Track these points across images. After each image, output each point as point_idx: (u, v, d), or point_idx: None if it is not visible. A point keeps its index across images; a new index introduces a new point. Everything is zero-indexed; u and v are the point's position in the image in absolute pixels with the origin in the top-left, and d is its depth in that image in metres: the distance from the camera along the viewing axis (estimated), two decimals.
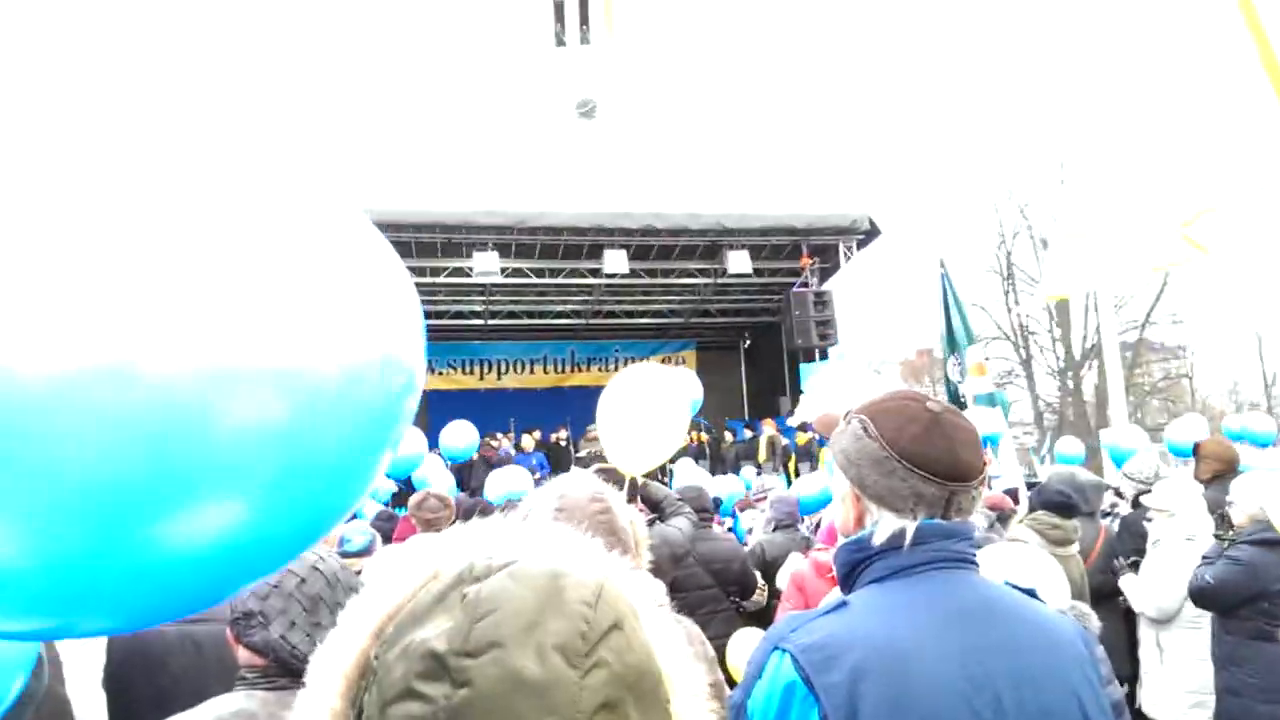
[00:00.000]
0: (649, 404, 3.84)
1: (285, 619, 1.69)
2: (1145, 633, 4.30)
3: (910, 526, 1.31)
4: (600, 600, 0.62)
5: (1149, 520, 4.50)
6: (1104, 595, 4.36)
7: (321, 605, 1.73)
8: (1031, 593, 1.53)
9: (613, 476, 4.44)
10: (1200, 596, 3.73)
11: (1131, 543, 4.93)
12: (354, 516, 7.65)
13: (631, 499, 4.46)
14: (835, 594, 1.40)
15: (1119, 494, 6.31)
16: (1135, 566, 4.47)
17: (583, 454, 11.87)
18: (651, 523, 4.26)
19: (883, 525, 1.34)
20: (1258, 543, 3.62)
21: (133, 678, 2.37)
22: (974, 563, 1.37)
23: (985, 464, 1.37)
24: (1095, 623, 2.21)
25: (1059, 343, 27.32)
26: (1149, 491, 4.80)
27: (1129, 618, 4.54)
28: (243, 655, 1.73)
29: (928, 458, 1.32)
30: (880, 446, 1.33)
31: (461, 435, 8.28)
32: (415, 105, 15.12)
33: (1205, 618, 3.87)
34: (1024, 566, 2.18)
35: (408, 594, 0.63)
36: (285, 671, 1.65)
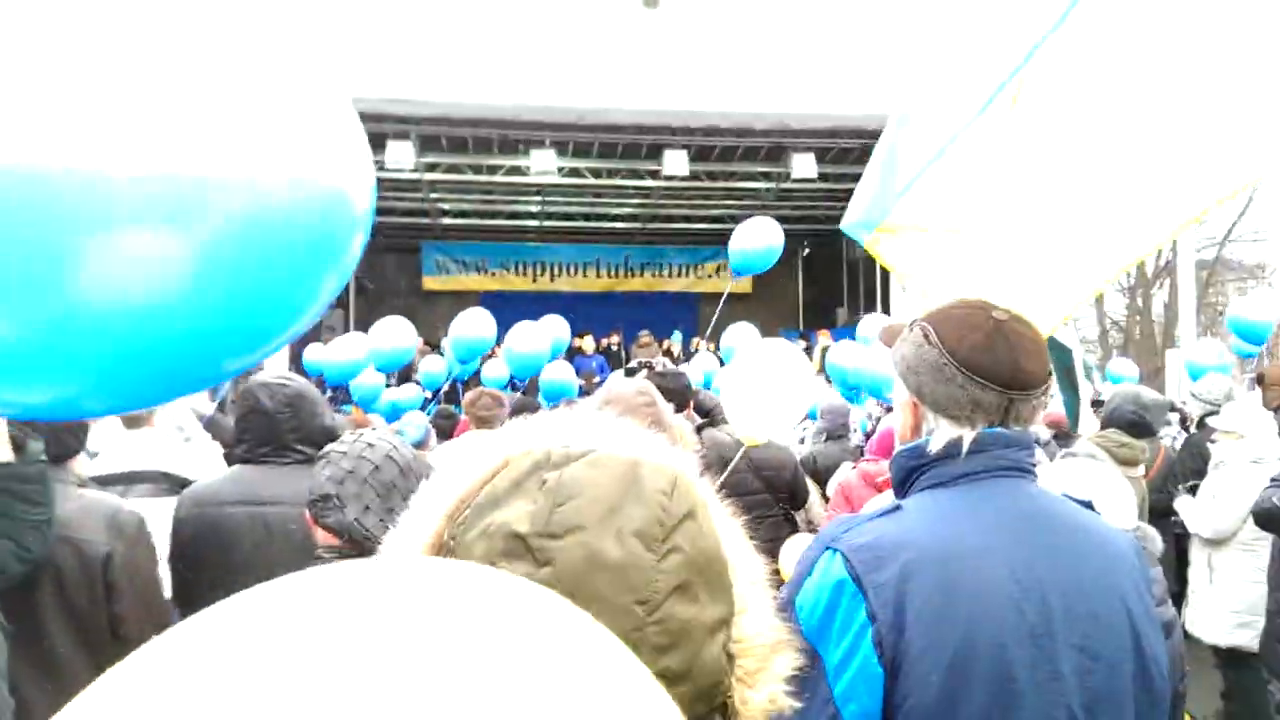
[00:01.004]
0: (775, 376, 3.89)
1: (360, 503, 1.78)
2: (1197, 553, 4.27)
3: (968, 435, 1.32)
4: (675, 490, 0.64)
5: (1214, 442, 4.39)
6: (1157, 514, 4.31)
7: (395, 492, 1.81)
8: (1089, 505, 1.52)
9: (664, 383, 4.47)
10: (1267, 518, 3.66)
11: (1193, 464, 4.84)
12: (426, 409, 7.86)
13: (683, 407, 4.50)
14: (888, 497, 1.40)
15: (1182, 417, 6.15)
16: (1194, 490, 4.39)
17: (633, 364, 11.97)
18: (701, 429, 4.30)
19: (939, 433, 1.35)
20: None
21: (205, 555, 2.49)
22: (1032, 472, 1.36)
23: (1049, 374, 1.36)
24: (1158, 544, 2.19)
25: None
26: (1216, 413, 4.66)
27: (1179, 538, 4.50)
28: (320, 536, 1.83)
29: (986, 365, 1.31)
30: (940, 353, 1.33)
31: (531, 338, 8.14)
32: None
33: (1262, 540, 3.82)
34: (1098, 482, 2.14)
35: (480, 479, 0.66)
36: (361, 553, 1.74)
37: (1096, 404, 6.42)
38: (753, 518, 3.89)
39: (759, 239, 6.44)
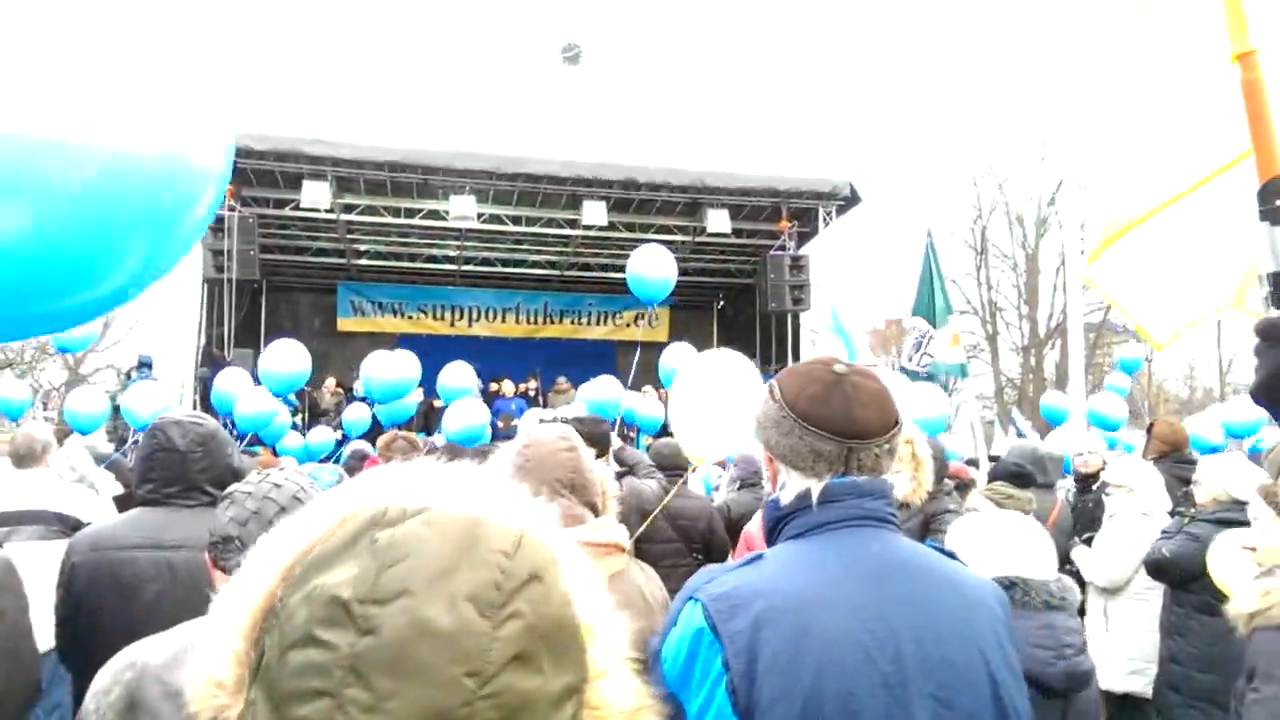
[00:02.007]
0: (722, 391, 3.80)
1: None
2: (1093, 602, 4.45)
3: (816, 486, 1.36)
4: (519, 550, 0.60)
5: (1108, 495, 4.63)
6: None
7: None
8: (951, 554, 1.56)
9: (584, 429, 4.45)
10: (1156, 568, 3.86)
11: (1087, 515, 5.09)
12: (332, 459, 7.59)
13: (603, 453, 4.48)
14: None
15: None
16: (1089, 542, 4.61)
17: (548, 417, 11.90)
18: (621, 476, 4.30)
19: (790, 485, 1.39)
20: (1216, 521, 3.74)
21: (103, 603, 2.34)
22: (890, 520, 1.39)
23: (895, 422, 1.39)
24: (1077, 595, 2.28)
25: (1025, 320, 27.73)
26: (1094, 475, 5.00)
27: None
28: (219, 580, 1.73)
29: (822, 416, 1.35)
30: (780, 407, 1.38)
31: (458, 377, 8.02)
32: (398, 41, 14.71)
33: (1153, 590, 4.01)
34: (1015, 536, 2.23)
35: (318, 536, 0.62)
36: None
37: (993, 459, 6.71)
38: (666, 567, 3.85)
39: (655, 268, 6.60)
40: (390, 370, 7.21)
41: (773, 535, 1.42)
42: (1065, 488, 5.63)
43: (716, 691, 1.21)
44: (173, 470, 2.46)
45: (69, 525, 3.04)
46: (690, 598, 1.30)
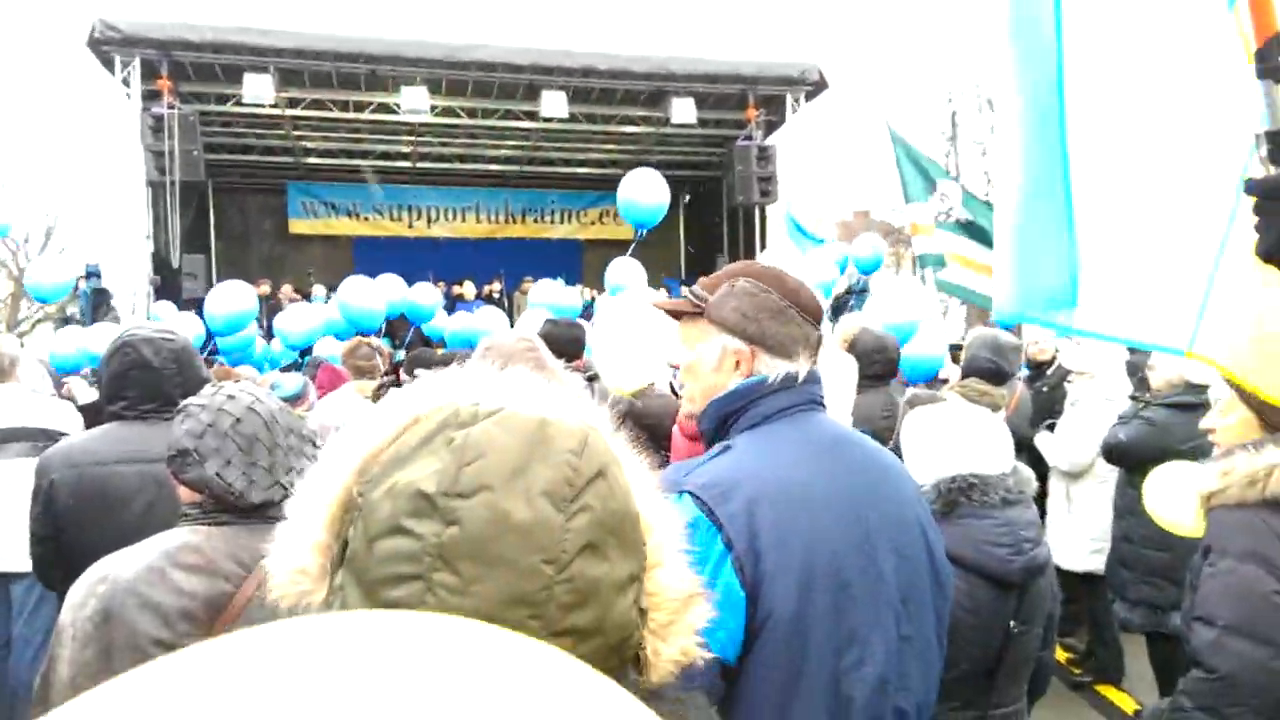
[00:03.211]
0: (641, 323, 3.81)
1: (220, 457, 1.70)
2: (1055, 485, 4.56)
3: (802, 369, 1.46)
4: (585, 449, 0.65)
5: (1069, 382, 4.68)
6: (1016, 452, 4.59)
7: (258, 445, 1.74)
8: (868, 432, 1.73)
9: (556, 331, 4.37)
10: (1112, 452, 3.94)
11: (1046, 402, 5.16)
12: (294, 366, 7.48)
13: (575, 358, 4.42)
14: (697, 448, 1.48)
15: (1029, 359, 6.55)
16: (1051, 428, 4.68)
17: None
18: (593, 379, 4.25)
19: (774, 371, 1.46)
20: (1171, 405, 3.81)
21: (86, 519, 2.36)
22: (823, 405, 1.54)
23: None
24: (1034, 484, 2.29)
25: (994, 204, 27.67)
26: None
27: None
28: (183, 492, 1.75)
29: (806, 302, 1.48)
30: (779, 298, 1.46)
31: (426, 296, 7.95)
32: None
33: (1114, 473, 4.11)
34: (970, 432, 2.20)
35: (389, 436, 0.66)
36: (225, 508, 1.70)
37: (955, 348, 6.74)
38: None
39: (648, 194, 6.49)
40: (366, 298, 7.14)
41: (720, 429, 1.49)
42: (1022, 376, 5.69)
43: (721, 571, 1.28)
44: (148, 387, 2.47)
45: (55, 439, 2.95)
46: (670, 493, 1.30)
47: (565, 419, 0.66)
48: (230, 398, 1.78)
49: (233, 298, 6.59)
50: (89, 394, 5.08)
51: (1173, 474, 3.03)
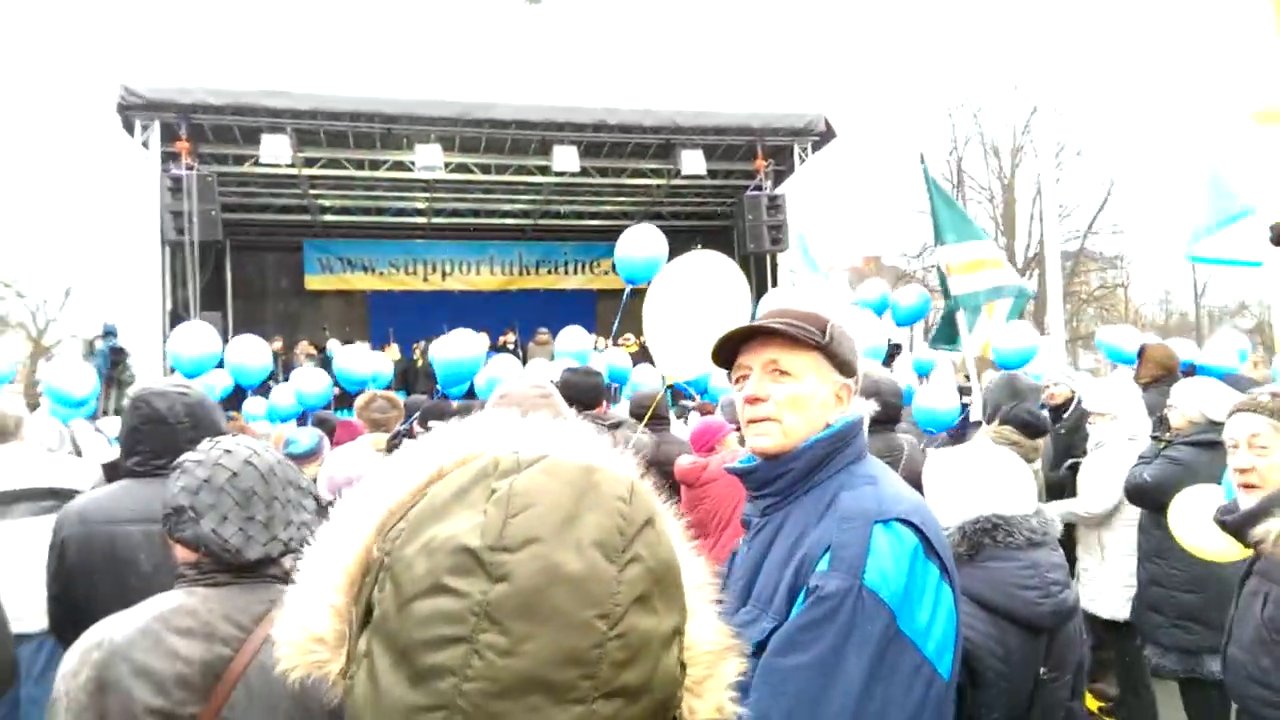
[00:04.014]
0: (701, 301, 3.47)
1: (216, 513, 1.66)
2: (1086, 533, 4.44)
3: (867, 410, 1.56)
4: (634, 496, 0.62)
5: (1091, 424, 4.60)
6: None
7: (255, 499, 1.69)
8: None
9: (575, 378, 4.35)
10: (1136, 493, 3.85)
11: (1061, 444, 5.08)
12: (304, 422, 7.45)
13: (594, 405, 4.39)
14: (848, 477, 1.49)
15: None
16: (1074, 470, 4.59)
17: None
18: (615, 427, 4.23)
19: (855, 409, 1.54)
20: (1193, 444, 3.73)
21: (96, 577, 2.32)
22: None
23: None
24: (1058, 528, 2.22)
25: (1003, 250, 27.70)
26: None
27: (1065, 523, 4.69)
28: (180, 553, 1.70)
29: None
30: (854, 341, 1.58)
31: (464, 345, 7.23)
32: None
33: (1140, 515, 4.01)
34: (993, 472, 2.16)
35: (412, 490, 0.63)
36: (222, 567, 1.64)
37: (962, 390, 6.66)
38: None
39: (643, 248, 6.44)
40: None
41: (823, 464, 1.48)
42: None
43: (941, 595, 1.35)
44: (161, 441, 2.41)
45: (64, 498, 2.94)
46: (877, 522, 1.36)
47: (610, 464, 0.64)
48: (227, 451, 1.75)
49: (250, 351, 6.63)
50: (100, 446, 5.08)
51: (1197, 499, 2.96)
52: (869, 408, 1.55)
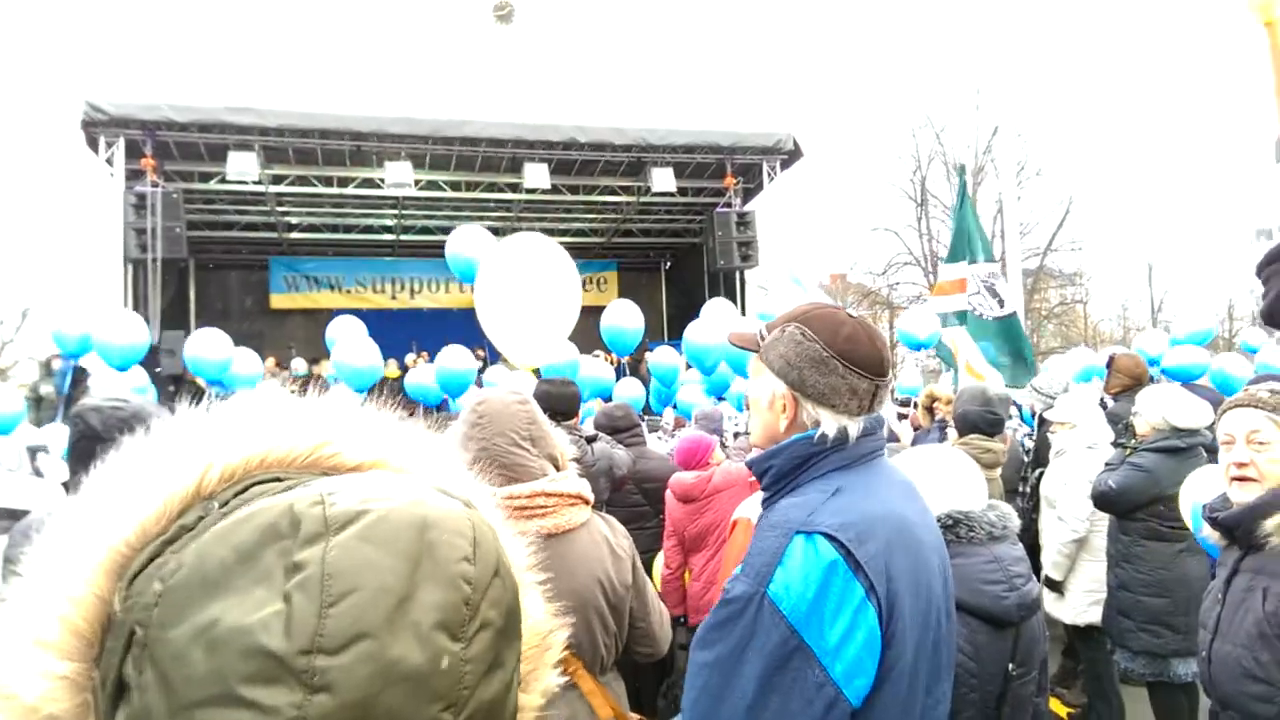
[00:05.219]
0: (536, 286, 3.49)
1: None
2: (1049, 537, 4.50)
3: (853, 423, 1.45)
4: (478, 547, 0.49)
5: (1052, 433, 4.69)
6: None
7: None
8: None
9: (551, 389, 4.33)
10: (1103, 500, 3.92)
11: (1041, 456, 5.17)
12: None
13: (570, 416, 4.39)
14: (815, 485, 1.43)
15: (1019, 409, 6.59)
16: (1039, 478, 4.67)
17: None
18: (592, 440, 4.22)
19: (826, 422, 1.45)
20: (1158, 450, 3.81)
21: None
22: (884, 451, 1.57)
23: (894, 361, 1.51)
24: (1015, 520, 2.27)
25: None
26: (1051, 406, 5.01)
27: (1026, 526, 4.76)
28: None
29: (860, 355, 1.45)
30: (822, 347, 1.45)
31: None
32: (322, 1, 14.16)
33: (1106, 521, 4.08)
34: (950, 471, 2.21)
35: (158, 509, 0.48)
36: None
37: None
38: (632, 528, 3.84)
39: (626, 321, 6.98)
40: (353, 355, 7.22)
41: (797, 470, 1.46)
42: (1012, 427, 5.70)
43: (862, 617, 1.27)
44: (96, 457, 2.32)
45: (17, 518, 2.87)
46: (798, 532, 1.32)
47: (444, 506, 0.50)
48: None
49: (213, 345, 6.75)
50: (59, 469, 4.99)
51: (1207, 479, 2.97)
52: (853, 425, 1.45)
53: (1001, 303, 8.52)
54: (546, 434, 2.08)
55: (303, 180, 12.95)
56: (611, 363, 10.91)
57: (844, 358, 1.44)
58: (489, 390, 2.22)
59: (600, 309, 10.04)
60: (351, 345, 7.25)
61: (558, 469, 2.07)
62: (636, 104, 13.11)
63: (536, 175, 12.42)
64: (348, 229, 15.30)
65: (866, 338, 1.47)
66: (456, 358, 7.32)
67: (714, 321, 7.60)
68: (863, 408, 1.45)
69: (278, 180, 12.75)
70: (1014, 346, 8.18)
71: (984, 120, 25.08)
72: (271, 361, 12.88)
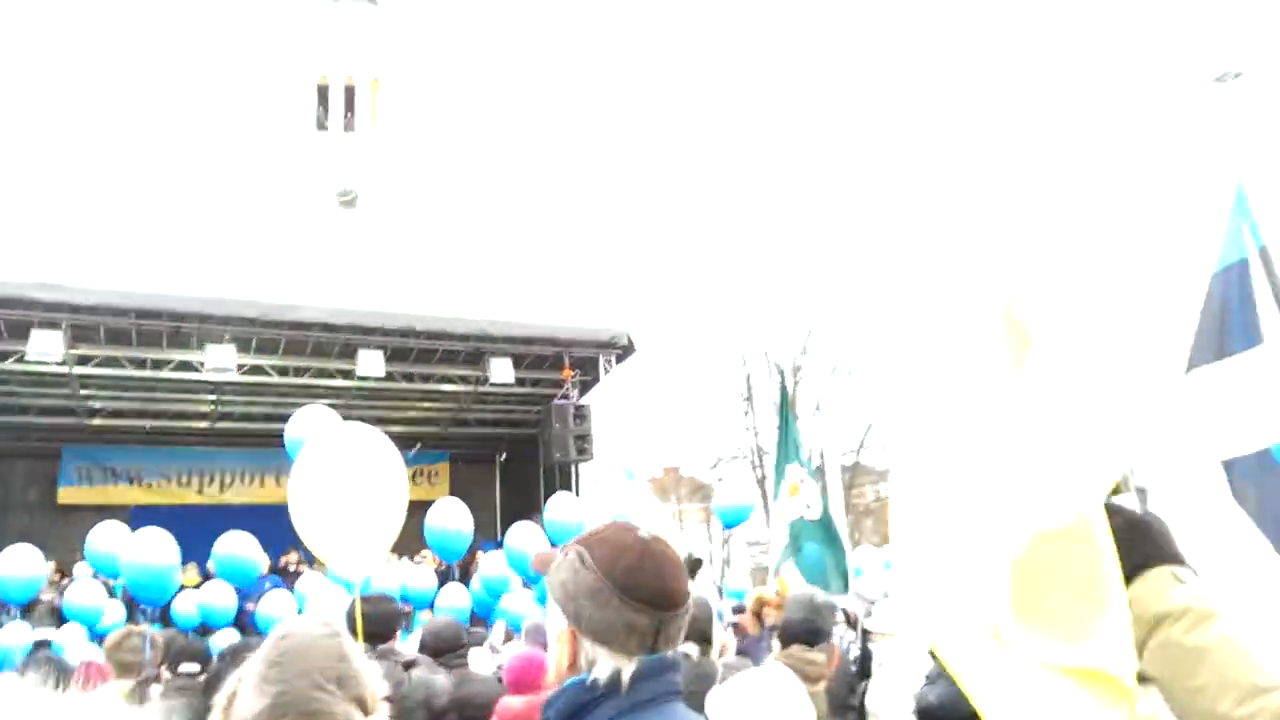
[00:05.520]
0: (356, 488, 3.36)
1: None
2: None
3: (627, 666, 1.31)
4: None
5: (872, 643, 4.82)
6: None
7: None
8: None
9: (371, 608, 4.04)
10: (926, 715, 4.01)
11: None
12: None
13: (389, 636, 4.09)
14: None
15: (846, 616, 6.77)
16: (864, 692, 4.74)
17: None
18: (410, 666, 3.93)
19: (600, 664, 1.32)
20: None
21: None
22: (680, 693, 1.39)
23: (689, 592, 1.40)
24: None
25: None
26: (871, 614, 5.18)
27: None
28: None
29: (639, 586, 1.32)
30: (597, 577, 1.32)
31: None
32: (149, 177, 13.87)
33: None
34: (777, 701, 2.22)
35: None
36: None
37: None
38: None
39: (454, 523, 6.87)
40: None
41: (575, 717, 1.33)
42: (839, 634, 5.82)
43: None
44: None
45: None
46: None
47: None
48: None
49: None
50: None
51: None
52: (626, 668, 1.33)
53: (808, 505, 8.93)
54: (357, 672, 1.89)
55: (111, 361, 12.08)
56: (436, 566, 10.35)
57: (621, 590, 1.31)
58: (294, 622, 2.01)
59: (429, 504, 9.72)
60: (147, 544, 6.49)
61: (365, 714, 1.88)
62: (475, 292, 13.40)
63: (370, 363, 12.22)
64: (156, 415, 14.22)
65: (652, 567, 1.34)
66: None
67: (562, 511, 7.58)
68: (644, 646, 1.32)
69: (84, 361, 11.83)
70: (832, 549, 8.48)
71: (801, 322, 27.32)
72: (51, 566, 11.35)
